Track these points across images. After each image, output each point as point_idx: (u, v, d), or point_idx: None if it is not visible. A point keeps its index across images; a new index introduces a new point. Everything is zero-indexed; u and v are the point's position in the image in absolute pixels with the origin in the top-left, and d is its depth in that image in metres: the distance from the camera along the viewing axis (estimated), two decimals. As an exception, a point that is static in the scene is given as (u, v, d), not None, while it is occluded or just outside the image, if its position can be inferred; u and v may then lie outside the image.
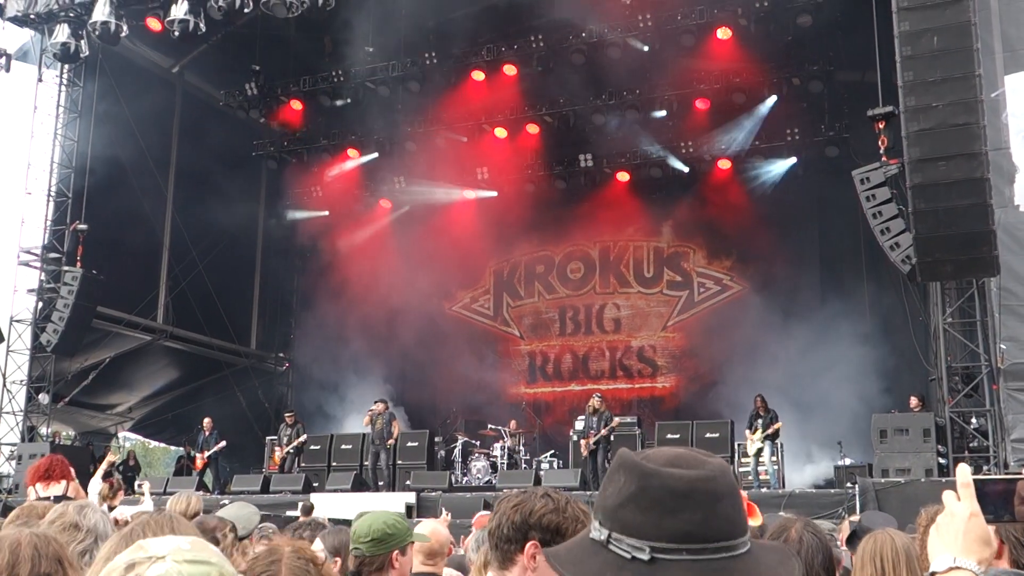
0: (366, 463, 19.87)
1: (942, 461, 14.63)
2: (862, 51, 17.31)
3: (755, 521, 3.92)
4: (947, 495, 1.85)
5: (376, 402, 19.48)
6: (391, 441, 18.75)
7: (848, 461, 17.73)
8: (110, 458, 9.39)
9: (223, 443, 19.31)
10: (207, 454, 19.16)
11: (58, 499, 7.63)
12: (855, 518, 5.78)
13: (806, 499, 14.18)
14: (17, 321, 20.38)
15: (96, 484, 8.69)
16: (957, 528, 1.82)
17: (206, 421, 19.51)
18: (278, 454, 19.33)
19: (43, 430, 20.59)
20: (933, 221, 13.91)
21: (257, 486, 18.38)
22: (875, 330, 19.56)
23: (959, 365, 15.36)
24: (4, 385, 20.16)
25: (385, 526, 3.83)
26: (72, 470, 6.16)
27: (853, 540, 4.11)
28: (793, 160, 22.00)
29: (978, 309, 14.92)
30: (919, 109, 13.78)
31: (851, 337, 19.67)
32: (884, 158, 15.48)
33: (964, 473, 1.86)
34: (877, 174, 15.36)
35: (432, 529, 4.87)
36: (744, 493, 3.78)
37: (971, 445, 14.87)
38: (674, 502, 1.51)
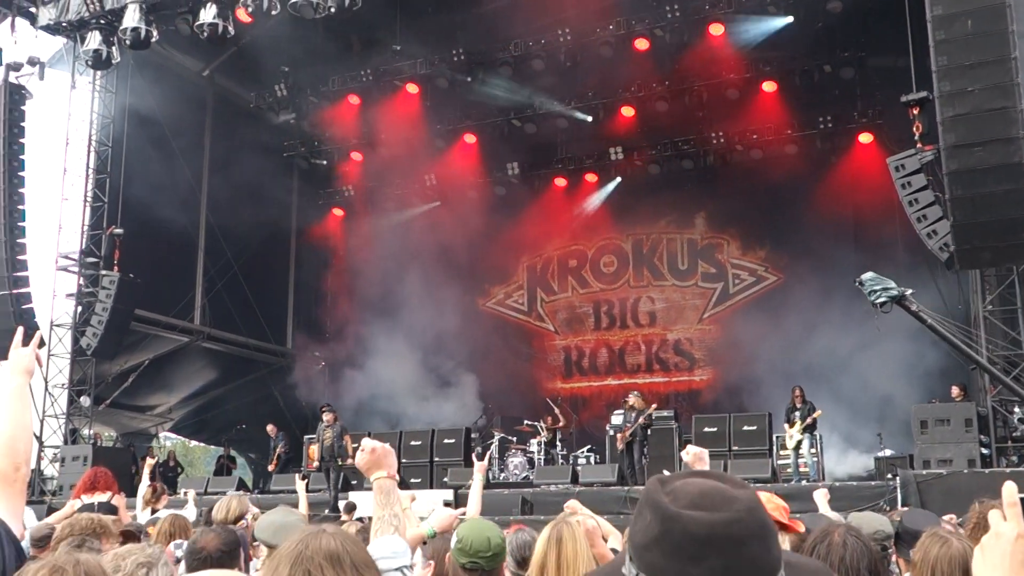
0: (403, 460, 19.89)
1: (985, 451, 14.45)
2: (894, 35, 17.08)
3: (799, 527, 3.89)
4: (993, 515, 1.77)
5: (323, 410, 17.89)
6: (350, 460, 16.77)
7: (888, 452, 17.56)
8: (150, 462, 9.47)
9: (283, 446, 19.64)
10: (279, 454, 19.40)
11: (102, 505, 7.75)
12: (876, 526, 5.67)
13: (847, 492, 14.03)
14: (57, 326, 20.60)
15: (145, 485, 8.80)
16: (1003, 550, 1.73)
17: (269, 428, 19.45)
18: (316, 452, 19.37)
19: (85, 432, 20.82)
20: (970, 208, 13.73)
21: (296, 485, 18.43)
22: (914, 318, 19.29)
23: (1000, 353, 15.14)
24: (46, 389, 20.40)
25: (500, 538, 3.86)
26: (116, 482, 6.24)
27: (899, 543, 4.06)
28: (826, 146, 21.80)
29: (1019, 296, 14.72)
30: (954, 94, 13.58)
31: (889, 326, 19.41)
32: (919, 144, 15.25)
33: (1010, 492, 1.76)
34: (912, 161, 15.15)
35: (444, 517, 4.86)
36: (785, 504, 3.73)
37: (1014, 435, 14.69)
38: (696, 549, 1.47)
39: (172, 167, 22.04)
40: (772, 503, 3.87)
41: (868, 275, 11.65)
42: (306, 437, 21.84)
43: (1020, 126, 13.33)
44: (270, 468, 19.90)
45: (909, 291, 11.41)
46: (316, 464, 17.63)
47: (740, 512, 1.49)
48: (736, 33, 20.61)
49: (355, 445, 18.13)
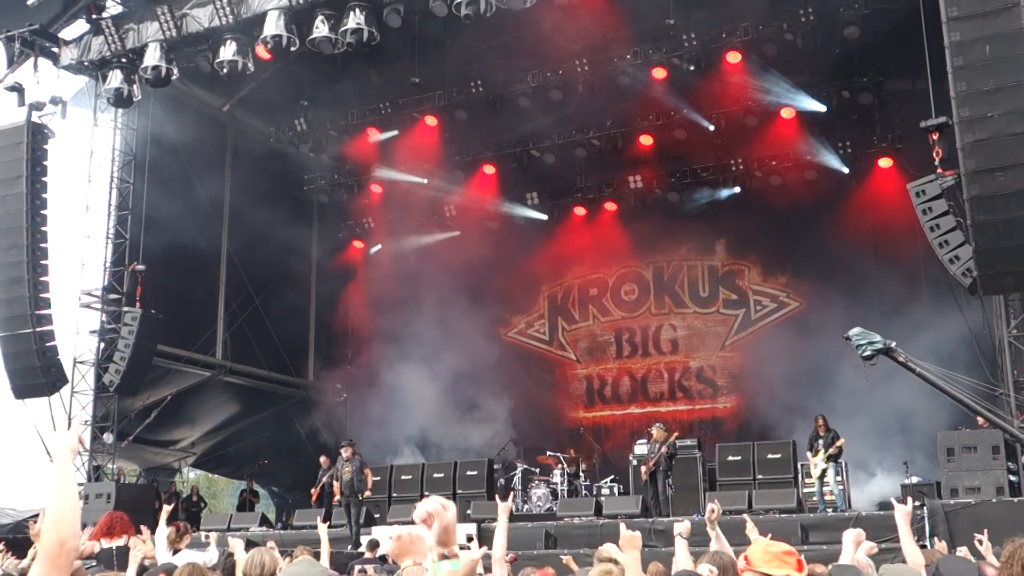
0: (426, 493, 19.82)
1: (1013, 479, 14.25)
2: (911, 59, 17.04)
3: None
4: None
5: (343, 446, 17.87)
6: (368, 492, 17.30)
7: (915, 479, 17.35)
8: (167, 508, 9.40)
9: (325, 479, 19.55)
10: (322, 485, 19.30)
11: (119, 550, 7.75)
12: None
13: (873, 521, 13.82)
14: (80, 363, 20.69)
15: (163, 531, 8.75)
16: None
17: (323, 459, 19.34)
18: (336, 487, 19.30)
19: (109, 468, 20.85)
20: (993, 233, 13.61)
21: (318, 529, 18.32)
22: (937, 344, 19.12)
23: (1025, 380, 14.98)
24: (69, 427, 20.41)
25: None
26: (132, 526, 6.24)
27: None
28: (845, 171, 21.72)
29: (1044, 321, 14.56)
30: (973, 120, 13.50)
31: (912, 351, 19.20)
32: (939, 169, 15.14)
33: None
34: (933, 186, 15.05)
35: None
36: (800, 557, 3.60)
37: (1043, 462, 14.48)
38: None
39: (193, 202, 22.18)
40: (770, 553, 3.68)
41: (855, 330, 11.86)
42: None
43: (1041, 150, 13.23)
44: (312, 492, 19.78)
45: (893, 343, 11.62)
46: (337, 499, 17.60)
47: None
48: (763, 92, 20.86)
49: (376, 478, 18.17)
